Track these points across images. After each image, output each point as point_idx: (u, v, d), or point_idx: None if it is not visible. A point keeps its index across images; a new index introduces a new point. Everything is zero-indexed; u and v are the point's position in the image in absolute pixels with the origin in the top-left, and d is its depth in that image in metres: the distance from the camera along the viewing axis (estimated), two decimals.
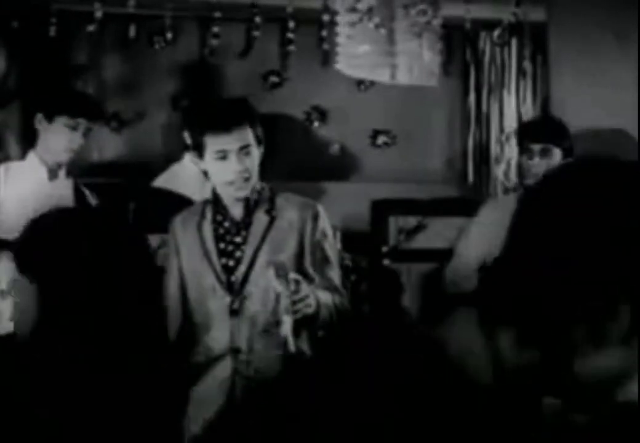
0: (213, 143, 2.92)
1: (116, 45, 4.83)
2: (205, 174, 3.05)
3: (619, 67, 4.86)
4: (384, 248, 4.59)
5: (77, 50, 4.85)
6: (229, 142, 2.92)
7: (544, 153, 3.97)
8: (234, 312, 2.94)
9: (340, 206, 4.68)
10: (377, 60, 3.58)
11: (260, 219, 2.99)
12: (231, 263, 2.97)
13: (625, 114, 4.76)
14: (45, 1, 4.56)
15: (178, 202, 3.71)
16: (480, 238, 3.99)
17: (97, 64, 4.88)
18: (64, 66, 4.82)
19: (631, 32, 4.78)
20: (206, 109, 3.08)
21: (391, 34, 3.61)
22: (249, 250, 2.96)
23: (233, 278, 2.95)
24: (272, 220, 2.99)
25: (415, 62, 3.67)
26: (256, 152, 2.98)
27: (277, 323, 2.78)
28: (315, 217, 3.01)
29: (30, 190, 3.53)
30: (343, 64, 3.69)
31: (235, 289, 2.94)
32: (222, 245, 2.99)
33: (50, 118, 3.60)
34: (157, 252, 3.32)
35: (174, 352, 3.02)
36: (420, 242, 4.73)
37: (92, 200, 3.76)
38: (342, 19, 3.54)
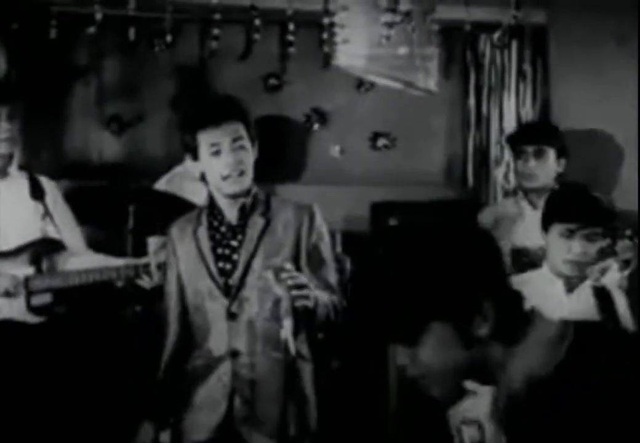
0: (205, 138, 2.95)
1: (116, 48, 4.83)
2: (203, 178, 3.05)
3: (619, 69, 4.87)
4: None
5: (77, 53, 4.86)
6: (220, 135, 2.94)
7: (539, 154, 4.01)
8: (232, 315, 2.94)
9: (340, 208, 4.68)
10: (414, 64, 3.57)
11: (256, 222, 3.00)
12: (228, 266, 2.98)
13: (625, 116, 4.76)
14: (46, 3, 4.56)
15: (179, 205, 3.71)
16: None
17: (97, 67, 4.88)
18: (64, 68, 4.82)
19: (631, 35, 4.78)
20: (196, 108, 3.11)
21: (426, 37, 3.62)
22: (245, 254, 2.96)
23: (230, 281, 2.96)
24: (267, 223, 3.00)
25: (434, 68, 3.68)
26: (250, 148, 2.99)
27: (279, 325, 2.78)
28: (312, 218, 3.02)
29: None
30: (382, 65, 3.66)
31: (233, 292, 2.95)
32: (219, 250, 3.00)
33: None
34: (159, 253, 3.33)
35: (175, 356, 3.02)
36: None
37: (51, 189, 3.70)
38: (384, 18, 3.51)
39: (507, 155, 5.08)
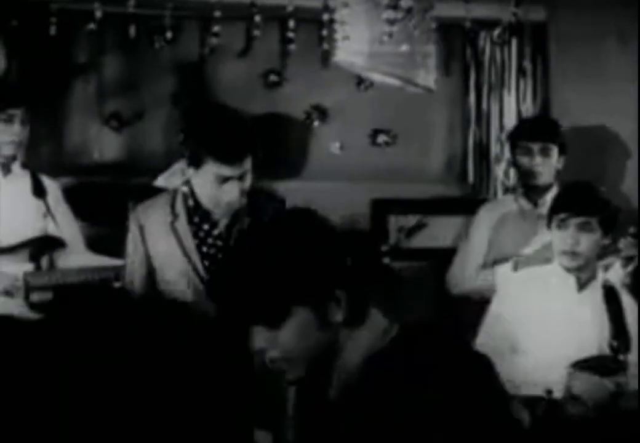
0: (214, 168, 2.92)
1: (116, 45, 4.83)
2: (187, 182, 3.04)
3: (620, 66, 4.86)
4: (384, 247, 4.59)
5: (77, 50, 4.85)
6: (230, 172, 2.93)
7: (545, 151, 3.98)
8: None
9: (340, 205, 4.68)
10: (415, 61, 3.56)
11: (242, 222, 3.00)
12: (214, 266, 2.98)
13: (625, 114, 4.76)
14: (45, 0, 4.56)
15: None
16: (479, 241, 4.01)
17: (97, 64, 4.88)
18: (63, 65, 4.82)
19: (631, 31, 4.78)
20: (211, 134, 3.00)
21: (426, 35, 3.61)
22: None
23: None
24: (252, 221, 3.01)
25: (433, 65, 3.68)
26: (250, 175, 2.98)
27: None
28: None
29: None
30: (383, 62, 3.65)
31: None
32: (204, 248, 2.99)
33: None
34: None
35: None
36: (420, 241, 4.74)
37: (53, 188, 3.72)
38: (386, 15, 3.49)
39: (507, 152, 5.08)
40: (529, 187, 4.09)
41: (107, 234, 3.92)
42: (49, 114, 4.72)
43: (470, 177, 5.17)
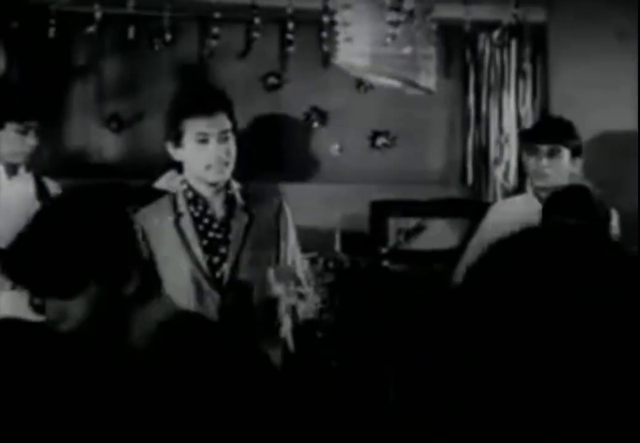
0: (194, 126, 3.02)
1: (116, 47, 4.83)
2: (179, 166, 3.09)
3: (619, 68, 4.87)
4: (383, 250, 4.59)
5: (76, 52, 4.86)
6: (210, 125, 3.02)
7: (553, 154, 3.92)
8: (223, 308, 2.94)
9: (339, 207, 4.68)
10: (416, 63, 3.56)
11: (240, 216, 3.05)
12: (216, 260, 3.01)
13: (625, 114, 4.76)
14: (45, 2, 4.56)
15: None
16: (487, 242, 3.98)
17: (96, 65, 4.88)
18: (63, 67, 4.82)
19: (631, 32, 4.78)
20: (186, 95, 3.17)
21: (427, 37, 3.61)
22: (232, 248, 3.00)
23: (218, 274, 2.98)
24: (251, 219, 3.04)
25: (434, 67, 3.68)
26: (233, 140, 3.04)
27: (278, 324, 2.81)
28: (286, 217, 3.13)
29: None
30: (385, 64, 3.64)
31: (223, 286, 2.97)
32: (204, 242, 3.02)
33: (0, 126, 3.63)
34: None
35: None
36: (420, 243, 4.74)
37: (57, 191, 3.74)
38: (389, 17, 3.50)
39: (507, 154, 5.08)
40: (538, 189, 4.06)
41: None
42: (49, 115, 4.72)
43: (470, 179, 5.18)
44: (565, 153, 3.91)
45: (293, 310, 2.76)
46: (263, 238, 3.05)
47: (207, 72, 4.96)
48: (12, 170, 3.66)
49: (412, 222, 4.72)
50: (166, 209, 3.10)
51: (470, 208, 4.57)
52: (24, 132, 3.60)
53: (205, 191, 3.05)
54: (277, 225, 3.08)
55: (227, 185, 3.07)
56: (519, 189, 4.91)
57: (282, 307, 2.71)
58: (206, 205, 3.04)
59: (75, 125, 4.88)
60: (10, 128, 3.61)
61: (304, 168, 5.05)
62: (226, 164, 3.02)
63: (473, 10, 4.76)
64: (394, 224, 4.79)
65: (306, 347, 3.01)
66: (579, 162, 3.97)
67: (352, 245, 4.52)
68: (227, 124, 3.05)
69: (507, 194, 4.90)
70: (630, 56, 4.80)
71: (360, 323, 3.19)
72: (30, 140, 3.60)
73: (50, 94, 4.72)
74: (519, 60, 5.05)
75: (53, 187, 3.76)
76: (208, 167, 3.00)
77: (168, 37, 4.68)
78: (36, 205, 3.59)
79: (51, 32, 4.51)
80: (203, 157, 3.01)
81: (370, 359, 3.92)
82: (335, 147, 5.10)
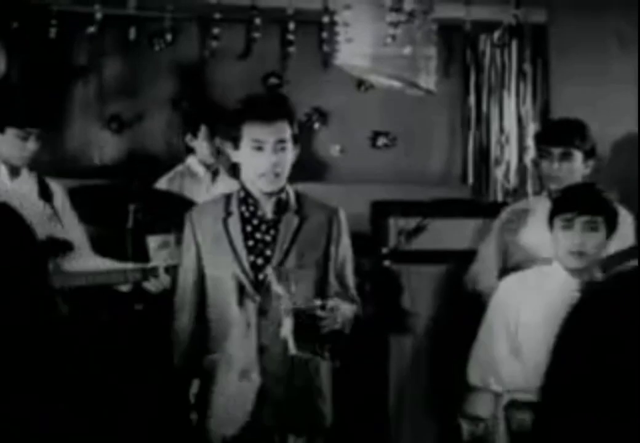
0: (250, 132, 2.93)
1: (116, 47, 4.84)
2: (234, 169, 3.06)
3: (619, 68, 4.87)
4: (384, 250, 4.59)
5: (77, 52, 4.86)
6: (266, 132, 2.92)
7: (565, 157, 3.88)
8: (263, 311, 2.92)
9: (340, 207, 4.68)
10: (417, 63, 3.56)
11: (290, 219, 2.99)
12: (260, 261, 2.96)
13: (625, 115, 4.76)
14: (45, 2, 4.56)
15: (180, 204, 3.71)
16: (501, 241, 3.96)
17: (97, 66, 4.88)
18: (64, 68, 4.82)
19: (631, 34, 4.78)
20: (249, 100, 3.05)
21: (427, 37, 3.61)
22: (278, 250, 2.95)
23: (260, 276, 2.94)
24: (301, 222, 3.00)
25: (434, 68, 3.68)
26: (291, 150, 2.98)
27: (278, 324, 2.80)
28: (339, 223, 3.04)
29: None
30: (386, 65, 3.64)
31: (264, 288, 2.93)
32: (250, 242, 2.99)
33: (0, 130, 3.63)
34: (159, 252, 3.32)
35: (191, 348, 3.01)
36: (421, 243, 4.74)
37: (59, 191, 3.74)
38: (389, 17, 3.49)
39: (507, 154, 5.08)
40: (552, 191, 4.03)
41: (106, 236, 3.92)
42: (49, 116, 4.73)
43: (470, 179, 5.18)
44: (578, 155, 3.86)
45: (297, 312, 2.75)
46: (312, 243, 2.99)
47: (208, 72, 4.97)
48: (14, 171, 3.66)
49: (412, 222, 4.72)
50: (220, 206, 3.07)
51: (470, 208, 4.57)
52: (24, 138, 3.60)
53: (257, 193, 3.00)
54: (329, 230, 3.01)
55: (281, 188, 3.01)
56: (518, 191, 4.91)
57: (282, 307, 2.71)
58: (257, 206, 3.00)
59: (75, 125, 4.88)
60: (11, 133, 3.61)
61: (305, 168, 5.04)
62: (278, 174, 2.94)
63: (473, 10, 4.77)
64: (395, 224, 4.79)
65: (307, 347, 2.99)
66: (592, 164, 3.94)
67: (352, 246, 4.52)
68: (286, 133, 2.95)
69: (507, 193, 4.90)
70: (630, 56, 4.80)
71: (360, 323, 3.19)
72: (31, 146, 3.60)
73: (50, 95, 4.72)
74: (520, 61, 5.06)
75: (56, 187, 3.76)
76: (261, 175, 2.94)
77: (168, 37, 4.69)
78: (39, 205, 3.60)
79: (52, 32, 4.52)
80: (256, 164, 2.93)
81: (370, 359, 3.92)
82: (336, 148, 5.11)
